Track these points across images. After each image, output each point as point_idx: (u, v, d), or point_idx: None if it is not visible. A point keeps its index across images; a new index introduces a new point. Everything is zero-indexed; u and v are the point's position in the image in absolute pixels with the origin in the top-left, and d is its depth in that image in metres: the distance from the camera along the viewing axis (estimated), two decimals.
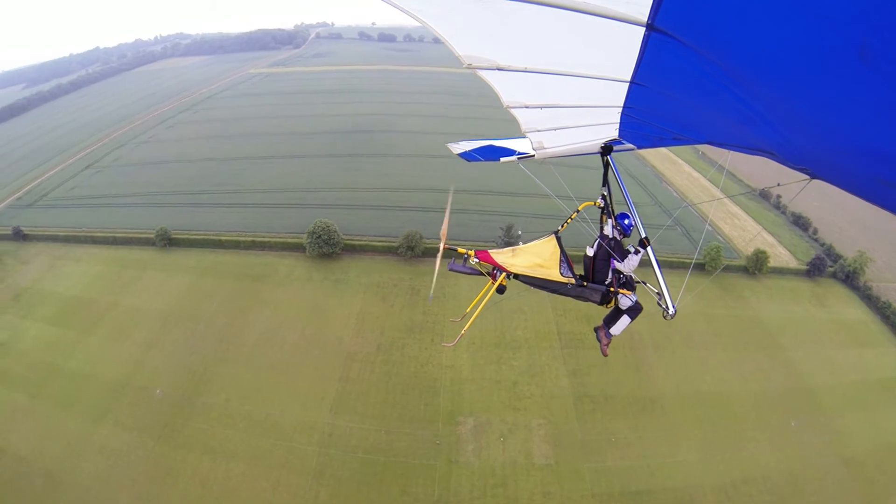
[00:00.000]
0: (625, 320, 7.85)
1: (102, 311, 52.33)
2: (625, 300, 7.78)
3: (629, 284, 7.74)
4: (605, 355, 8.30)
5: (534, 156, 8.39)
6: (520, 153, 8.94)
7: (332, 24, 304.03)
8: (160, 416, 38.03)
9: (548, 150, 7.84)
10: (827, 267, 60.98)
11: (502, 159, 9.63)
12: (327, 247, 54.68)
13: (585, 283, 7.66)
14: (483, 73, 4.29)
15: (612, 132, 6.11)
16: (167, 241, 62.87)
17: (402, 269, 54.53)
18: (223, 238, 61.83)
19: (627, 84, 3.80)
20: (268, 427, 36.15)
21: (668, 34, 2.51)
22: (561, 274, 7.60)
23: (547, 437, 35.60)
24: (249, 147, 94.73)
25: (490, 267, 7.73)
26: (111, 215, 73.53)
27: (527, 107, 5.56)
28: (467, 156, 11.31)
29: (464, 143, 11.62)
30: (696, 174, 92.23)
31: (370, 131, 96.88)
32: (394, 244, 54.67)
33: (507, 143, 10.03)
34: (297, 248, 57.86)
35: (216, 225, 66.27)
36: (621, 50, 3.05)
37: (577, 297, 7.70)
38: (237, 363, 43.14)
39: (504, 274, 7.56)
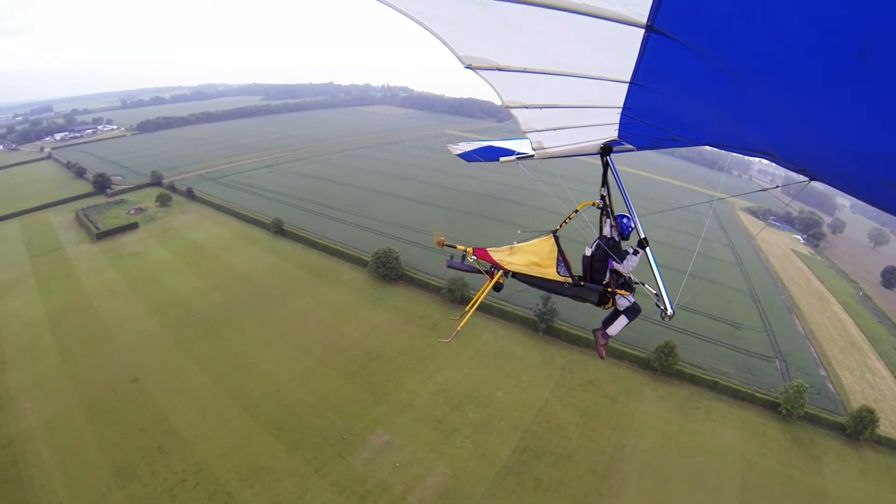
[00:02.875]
0: (622, 321, 9.17)
1: (205, 259, 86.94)
2: (622, 301, 9.09)
3: (627, 285, 9.07)
4: (602, 357, 9.88)
5: (533, 156, 9.90)
6: (519, 153, 10.36)
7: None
8: (190, 324, 65.11)
9: (547, 151, 9.31)
10: None
11: (502, 159, 11.17)
12: (385, 269, 74.83)
13: (582, 283, 9.02)
14: (482, 74, 5.10)
15: (612, 133, 7.26)
16: (278, 230, 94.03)
17: (439, 307, 71.42)
18: (318, 240, 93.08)
19: (627, 85, 4.58)
20: (255, 372, 56.58)
21: (667, 35, 2.98)
22: (558, 273, 8.94)
23: (438, 487, 43.01)
24: (394, 185, 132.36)
25: (488, 265, 9.10)
26: (255, 201, 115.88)
27: (526, 107, 6.63)
28: (467, 156, 13.24)
29: (463, 144, 13.69)
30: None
31: (508, 200, 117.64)
32: (441, 285, 70.51)
33: (507, 143, 11.56)
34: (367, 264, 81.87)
35: (322, 230, 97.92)
36: (621, 51, 3.63)
37: (574, 296, 9.14)
38: (260, 318, 67.52)
39: (501, 271, 9.02)
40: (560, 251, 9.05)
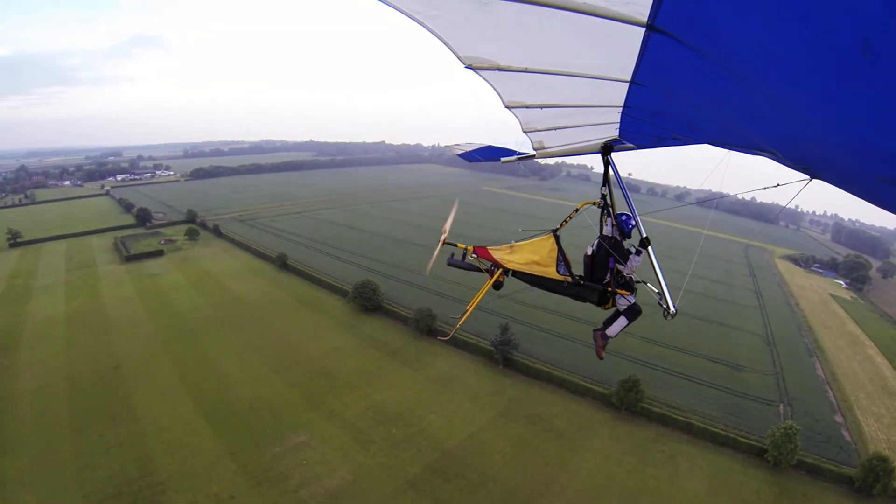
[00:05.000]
0: (622, 322, 9.45)
1: (211, 283, 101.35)
2: (622, 301, 9.39)
3: (628, 285, 9.35)
4: (601, 358, 10.35)
5: (534, 155, 10.33)
6: (520, 153, 10.85)
7: (591, 168, 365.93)
8: (178, 331, 78.55)
9: (548, 150, 9.74)
10: None
11: (503, 159, 11.83)
12: (363, 300, 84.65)
13: (582, 282, 9.36)
14: (482, 74, 5.31)
15: (613, 132, 7.52)
16: (282, 264, 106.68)
17: (403, 336, 79.36)
18: (313, 274, 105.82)
19: (628, 84, 4.74)
20: (215, 372, 66.41)
21: (668, 34, 3.11)
22: (558, 272, 9.27)
23: (333, 488, 47.45)
24: (406, 232, 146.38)
25: (488, 263, 9.58)
26: (274, 241, 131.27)
27: (527, 107, 6.90)
28: (468, 156, 14.21)
29: (464, 144, 14.41)
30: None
31: None
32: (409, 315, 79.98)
33: (508, 143, 11.86)
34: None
35: (321, 266, 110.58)
36: (621, 50, 3.77)
37: (574, 296, 9.48)
38: (238, 332, 79.01)
39: (501, 270, 9.45)
40: (560, 250, 9.39)
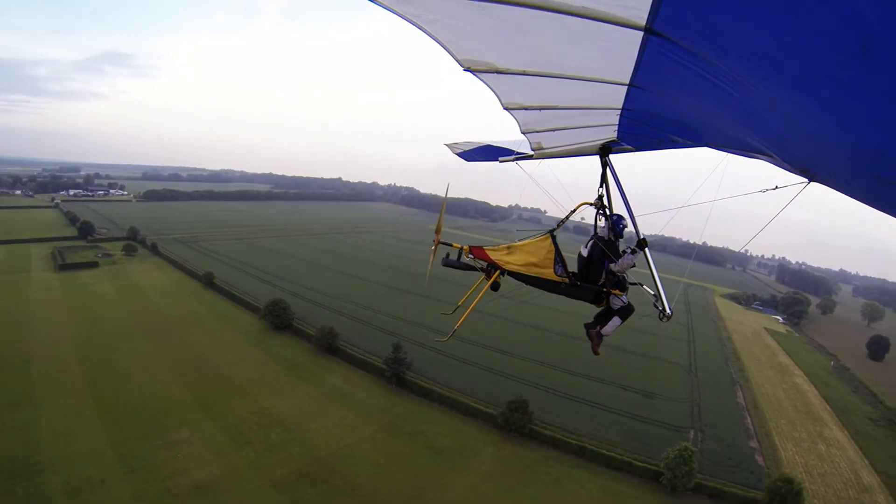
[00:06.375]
0: (616, 321, 9.52)
1: (137, 295, 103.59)
2: (616, 301, 9.43)
3: (621, 285, 9.42)
4: (597, 354, 10.25)
5: (532, 156, 10.28)
6: (518, 153, 10.67)
7: (545, 212, 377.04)
8: (95, 334, 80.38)
9: (546, 151, 9.68)
10: None
11: (501, 159, 11.59)
12: (273, 317, 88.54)
13: (579, 283, 9.39)
14: (481, 77, 5.26)
15: (611, 133, 7.49)
16: (209, 283, 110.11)
17: (306, 353, 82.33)
18: (234, 293, 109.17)
19: (626, 87, 4.73)
20: (119, 372, 68.06)
21: (666, 38, 3.11)
22: (556, 273, 9.24)
23: (199, 481, 48.99)
24: (342, 263, 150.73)
25: (485, 263, 9.46)
26: (206, 261, 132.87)
27: (525, 108, 6.85)
28: (466, 156, 14.12)
29: (462, 143, 13.95)
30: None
31: (447, 280, 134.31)
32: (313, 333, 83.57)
33: (507, 143, 11.82)
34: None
35: (245, 287, 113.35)
36: (620, 53, 3.78)
37: (570, 295, 9.49)
38: (151, 339, 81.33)
39: (498, 271, 9.36)
40: (557, 251, 9.32)
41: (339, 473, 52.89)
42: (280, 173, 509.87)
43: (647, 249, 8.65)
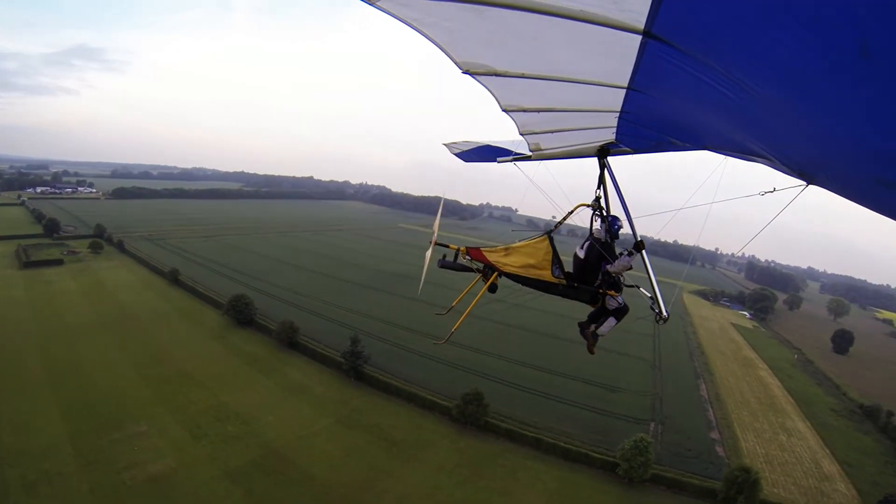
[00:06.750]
0: (611, 322, 9.49)
1: (102, 292, 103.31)
2: (612, 301, 9.38)
3: (617, 286, 9.35)
4: (592, 353, 10.33)
5: (530, 157, 10.20)
6: (516, 154, 10.59)
7: (516, 210, 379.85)
8: (57, 328, 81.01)
9: (545, 152, 9.64)
10: None
11: (499, 159, 11.47)
12: (235, 313, 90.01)
13: (576, 284, 9.37)
14: (480, 79, 5.28)
15: (610, 135, 7.49)
16: (174, 280, 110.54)
17: (267, 346, 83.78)
18: (199, 289, 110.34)
19: (625, 90, 4.74)
20: (80, 367, 68.81)
21: (664, 41, 3.12)
22: (553, 275, 9.23)
23: (155, 472, 50.01)
24: (308, 260, 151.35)
25: (482, 265, 9.46)
26: (173, 258, 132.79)
27: (524, 110, 6.87)
28: (464, 156, 13.97)
29: (460, 143, 13.68)
30: None
31: (412, 278, 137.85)
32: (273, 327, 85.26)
33: (504, 143, 11.80)
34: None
35: (211, 284, 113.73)
36: (618, 57, 3.79)
37: (566, 296, 9.47)
38: (113, 335, 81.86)
39: (496, 273, 9.35)
40: (555, 253, 9.27)
41: (293, 464, 54.03)
42: (252, 171, 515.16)
43: (643, 252, 8.67)
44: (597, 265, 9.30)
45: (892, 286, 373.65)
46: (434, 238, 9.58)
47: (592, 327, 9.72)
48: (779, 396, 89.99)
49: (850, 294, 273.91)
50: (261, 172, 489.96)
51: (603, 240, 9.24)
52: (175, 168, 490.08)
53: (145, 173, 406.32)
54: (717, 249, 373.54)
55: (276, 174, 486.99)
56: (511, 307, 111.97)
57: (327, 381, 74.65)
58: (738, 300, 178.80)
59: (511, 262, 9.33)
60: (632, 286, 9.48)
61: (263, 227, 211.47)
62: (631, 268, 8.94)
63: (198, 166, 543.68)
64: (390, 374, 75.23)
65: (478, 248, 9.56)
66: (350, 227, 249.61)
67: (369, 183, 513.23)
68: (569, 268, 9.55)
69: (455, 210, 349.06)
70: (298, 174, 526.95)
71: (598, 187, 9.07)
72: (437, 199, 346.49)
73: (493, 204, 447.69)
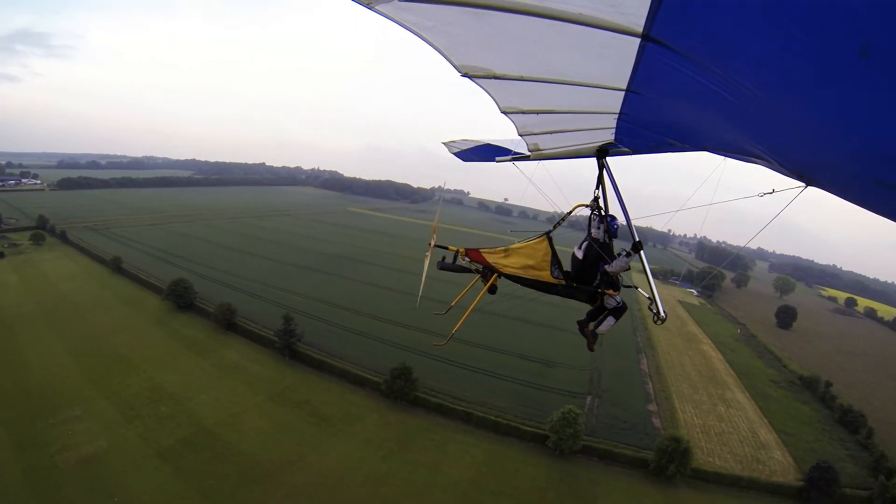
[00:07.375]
0: (610, 321, 9.46)
1: (43, 283, 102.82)
2: (610, 300, 9.34)
3: (615, 285, 9.31)
4: (592, 350, 10.51)
5: (529, 157, 10.12)
6: (515, 153, 10.47)
7: (468, 193, 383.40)
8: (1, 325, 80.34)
9: (543, 152, 9.60)
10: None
11: (497, 159, 11.31)
12: (175, 297, 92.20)
13: (575, 285, 9.31)
14: (479, 82, 5.23)
15: (609, 136, 7.46)
16: (117, 268, 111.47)
17: (207, 330, 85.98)
18: (142, 276, 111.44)
19: (623, 92, 4.69)
20: (16, 354, 68.83)
21: (663, 44, 3.09)
22: (552, 275, 9.14)
23: (87, 453, 51.20)
24: (256, 246, 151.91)
25: (481, 266, 9.37)
26: (117, 247, 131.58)
27: (523, 112, 6.81)
28: (463, 155, 13.72)
29: (459, 142, 13.44)
30: None
31: (358, 260, 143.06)
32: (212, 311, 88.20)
33: (504, 143, 11.57)
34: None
35: (155, 272, 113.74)
36: (617, 59, 3.74)
37: (565, 296, 9.45)
38: (52, 323, 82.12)
39: (496, 274, 9.27)
40: (554, 254, 9.20)
41: (222, 441, 55.72)
42: (203, 159, 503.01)
43: (641, 252, 8.64)
44: (595, 265, 9.35)
45: (839, 266, 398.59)
46: (433, 241, 9.72)
47: (591, 326, 9.78)
48: (720, 369, 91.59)
49: (798, 273, 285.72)
50: (212, 160, 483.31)
51: (601, 240, 9.33)
52: (125, 157, 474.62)
53: (93, 163, 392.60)
54: (669, 231, 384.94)
55: (228, 161, 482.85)
56: (456, 287, 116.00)
57: (263, 360, 76.90)
58: (688, 279, 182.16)
59: (510, 264, 9.35)
60: (630, 286, 9.85)
61: (211, 213, 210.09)
62: (629, 268, 9.06)
63: (148, 155, 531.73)
64: (324, 352, 77.23)
65: (477, 250, 9.60)
66: (298, 211, 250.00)
67: (321, 168, 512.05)
68: (568, 268, 9.63)
69: (405, 193, 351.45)
70: (251, 161, 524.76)
71: (597, 187, 9.16)
72: (387, 183, 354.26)
73: (445, 187, 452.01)
